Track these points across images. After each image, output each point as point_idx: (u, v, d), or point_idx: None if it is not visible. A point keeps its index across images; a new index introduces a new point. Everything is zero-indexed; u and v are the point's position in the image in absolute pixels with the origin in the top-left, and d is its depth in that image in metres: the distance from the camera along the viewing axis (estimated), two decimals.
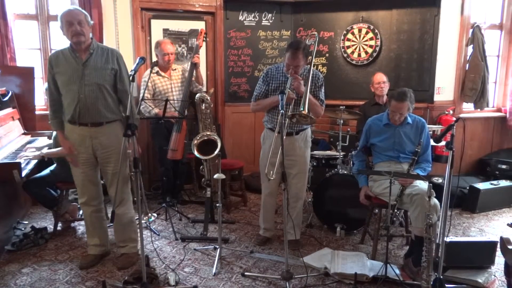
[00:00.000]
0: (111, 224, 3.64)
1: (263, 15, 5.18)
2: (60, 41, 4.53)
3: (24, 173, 3.03)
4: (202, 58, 4.99)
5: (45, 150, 3.45)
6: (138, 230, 2.74)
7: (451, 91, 4.98)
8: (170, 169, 4.20)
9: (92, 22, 2.83)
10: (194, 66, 4.12)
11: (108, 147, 2.84)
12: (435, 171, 4.49)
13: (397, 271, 2.83)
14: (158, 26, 4.79)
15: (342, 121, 3.92)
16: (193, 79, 4.18)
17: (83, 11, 2.79)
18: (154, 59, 4.34)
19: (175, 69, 4.24)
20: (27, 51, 4.47)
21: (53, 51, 2.89)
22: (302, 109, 2.86)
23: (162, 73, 4.16)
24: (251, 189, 4.83)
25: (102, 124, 2.82)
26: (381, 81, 4.26)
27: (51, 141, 3.59)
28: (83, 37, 2.71)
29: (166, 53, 4.08)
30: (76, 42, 2.72)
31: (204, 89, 4.43)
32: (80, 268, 2.97)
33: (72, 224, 3.73)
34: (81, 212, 3.98)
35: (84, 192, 2.97)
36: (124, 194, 2.94)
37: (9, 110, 3.76)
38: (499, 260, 2.85)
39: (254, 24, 5.17)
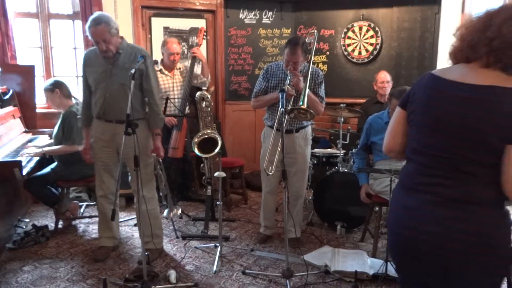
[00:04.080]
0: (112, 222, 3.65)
1: (264, 13, 5.17)
2: (60, 39, 4.55)
3: (25, 171, 3.04)
4: None
5: (46, 148, 3.46)
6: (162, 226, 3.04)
7: None
8: (171, 167, 4.20)
9: (116, 29, 2.78)
10: (194, 59, 4.07)
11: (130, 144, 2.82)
12: None
13: None
14: (158, 24, 4.78)
15: (342, 119, 3.92)
16: (198, 73, 4.13)
17: (110, 21, 2.74)
18: (155, 57, 4.33)
19: (179, 68, 4.21)
20: (28, 49, 4.48)
21: (88, 49, 3.02)
22: (301, 103, 2.86)
23: (166, 72, 4.13)
24: (252, 187, 4.83)
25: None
26: (385, 81, 4.25)
27: (52, 140, 3.60)
28: (110, 52, 2.79)
29: (172, 52, 4.03)
30: (104, 55, 2.81)
31: (209, 80, 4.37)
32: (95, 260, 3.03)
33: (73, 222, 3.73)
34: (81, 210, 4.00)
35: (102, 186, 3.06)
36: (146, 193, 2.93)
37: (10, 109, 3.76)
38: None
39: (254, 22, 5.16)
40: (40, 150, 3.40)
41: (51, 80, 3.55)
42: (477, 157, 1.29)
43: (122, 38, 2.87)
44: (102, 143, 2.96)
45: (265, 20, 5.20)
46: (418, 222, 1.37)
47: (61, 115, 3.45)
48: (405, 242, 1.43)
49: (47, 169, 3.52)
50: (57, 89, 3.41)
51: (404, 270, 1.55)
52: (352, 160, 3.74)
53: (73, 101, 3.52)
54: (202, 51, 4.90)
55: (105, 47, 2.74)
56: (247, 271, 2.92)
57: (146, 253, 2.68)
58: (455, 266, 1.33)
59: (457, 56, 1.41)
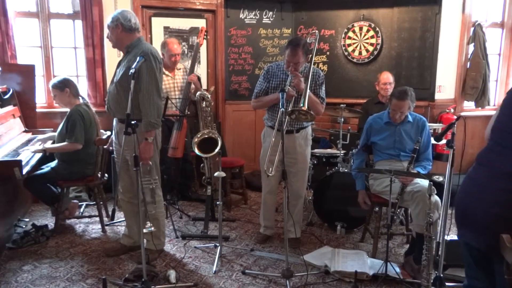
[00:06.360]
0: (112, 221, 3.66)
1: (264, 13, 5.17)
2: (60, 39, 4.54)
3: (25, 171, 3.03)
4: (202, 56, 5.02)
5: (47, 145, 3.45)
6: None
7: (452, 90, 4.97)
8: (171, 167, 4.20)
9: (115, 23, 2.78)
10: (190, 84, 4.03)
11: (127, 145, 2.80)
12: (436, 170, 4.48)
13: (397, 270, 2.83)
14: (158, 24, 4.78)
15: (342, 119, 3.92)
16: (192, 91, 4.14)
17: (115, 14, 2.81)
18: None
19: (179, 69, 4.21)
20: (28, 48, 4.47)
21: None
22: (302, 105, 2.86)
23: (166, 72, 4.12)
24: (252, 187, 4.83)
25: (123, 122, 2.82)
26: (387, 82, 4.24)
27: (52, 134, 3.59)
28: (111, 43, 2.89)
29: (174, 53, 4.01)
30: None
31: (205, 87, 4.39)
32: (106, 255, 3.09)
33: (73, 222, 3.72)
34: (81, 210, 3.99)
35: (120, 182, 3.08)
36: (146, 196, 2.91)
37: (10, 108, 3.76)
38: None
39: (254, 22, 5.16)
40: (41, 147, 3.40)
41: (60, 78, 3.48)
42: None
43: (138, 38, 2.84)
44: (115, 139, 3.02)
45: (265, 20, 5.20)
46: (476, 191, 1.69)
47: (67, 113, 3.44)
48: (463, 207, 1.75)
49: (47, 168, 3.51)
50: (67, 88, 3.38)
51: (462, 236, 1.83)
52: (352, 161, 3.74)
53: (81, 100, 3.50)
54: (203, 51, 4.93)
55: (108, 35, 2.84)
56: (247, 271, 2.92)
57: (146, 254, 2.67)
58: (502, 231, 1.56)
59: None
